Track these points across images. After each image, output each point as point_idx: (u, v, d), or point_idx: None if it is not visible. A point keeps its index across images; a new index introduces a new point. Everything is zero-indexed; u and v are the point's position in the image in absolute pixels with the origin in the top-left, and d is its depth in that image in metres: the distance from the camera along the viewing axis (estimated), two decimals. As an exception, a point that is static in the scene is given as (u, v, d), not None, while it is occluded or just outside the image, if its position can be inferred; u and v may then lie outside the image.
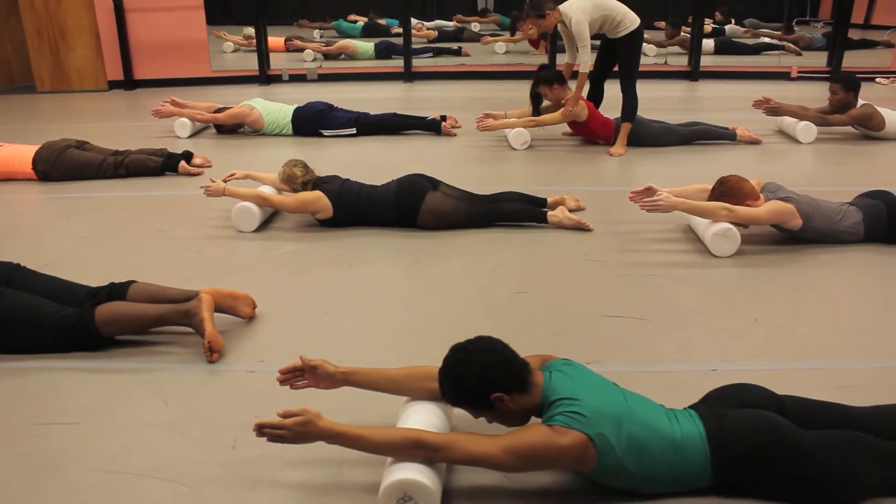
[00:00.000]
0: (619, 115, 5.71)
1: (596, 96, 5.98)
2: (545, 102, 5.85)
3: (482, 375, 2.00)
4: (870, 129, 5.88)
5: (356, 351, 2.89)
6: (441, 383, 2.07)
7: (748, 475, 2.02)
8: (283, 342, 2.96)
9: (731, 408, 2.13)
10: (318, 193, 4.06)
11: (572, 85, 5.60)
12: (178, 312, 2.86)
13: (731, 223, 3.69)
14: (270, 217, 4.34)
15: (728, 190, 3.71)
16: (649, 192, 3.70)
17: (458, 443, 1.97)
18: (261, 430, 1.99)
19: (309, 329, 3.09)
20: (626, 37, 5.48)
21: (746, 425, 2.05)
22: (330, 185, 4.12)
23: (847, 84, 5.85)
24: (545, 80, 5.68)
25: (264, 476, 2.18)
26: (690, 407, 2.20)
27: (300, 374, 2.26)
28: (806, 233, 3.74)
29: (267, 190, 4.21)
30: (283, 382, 2.27)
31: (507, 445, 1.95)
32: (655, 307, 3.23)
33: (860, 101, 5.88)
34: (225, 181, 4.26)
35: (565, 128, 6.19)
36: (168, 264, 3.72)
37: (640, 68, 5.76)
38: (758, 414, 2.09)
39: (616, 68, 5.72)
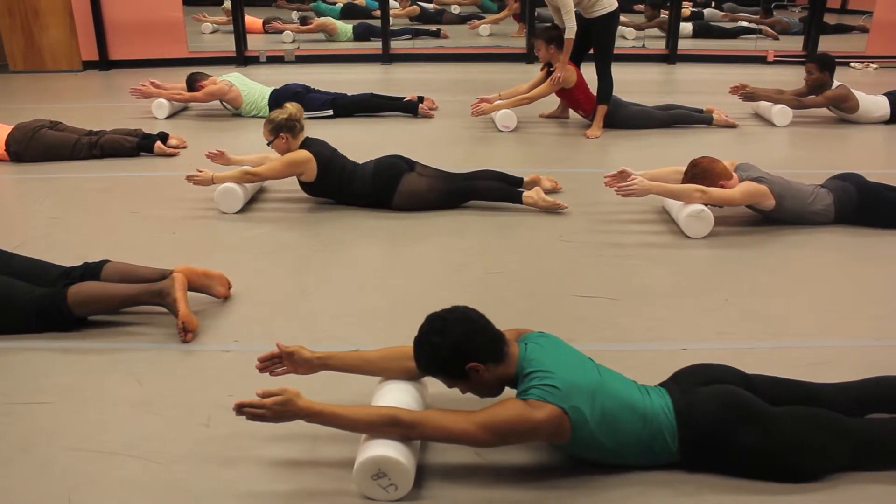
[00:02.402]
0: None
1: None
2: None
3: (458, 345, 2.01)
4: (844, 110, 5.93)
5: (331, 330, 2.90)
6: (416, 352, 2.08)
7: (715, 450, 2.06)
8: (258, 322, 2.97)
9: (699, 385, 2.17)
10: (307, 154, 4.00)
11: None
12: (151, 292, 2.85)
13: (705, 204, 3.72)
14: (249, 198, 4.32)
15: (700, 172, 3.75)
16: (623, 175, 3.73)
17: (433, 419, 1.99)
18: (240, 409, 2.00)
19: (284, 309, 3.09)
20: (602, 17, 5.49)
21: (713, 401, 2.09)
22: (321, 148, 4.07)
23: (823, 64, 5.89)
24: (545, 37, 5.66)
25: (237, 453, 2.19)
26: (660, 385, 2.23)
27: (278, 361, 2.27)
28: (779, 213, 3.78)
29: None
30: (262, 370, 2.28)
31: (482, 421, 1.97)
32: (628, 287, 3.26)
33: (835, 83, 5.93)
34: (208, 156, 4.25)
35: (543, 110, 6.21)
36: (142, 245, 3.69)
37: (618, 51, 5.77)
38: (725, 389, 2.12)
39: (591, 51, 5.72)
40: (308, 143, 4.07)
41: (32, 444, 2.24)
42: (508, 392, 2.10)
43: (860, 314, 3.04)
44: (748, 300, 3.15)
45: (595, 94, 5.77)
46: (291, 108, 4.04)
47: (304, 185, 4.15)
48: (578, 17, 5.60)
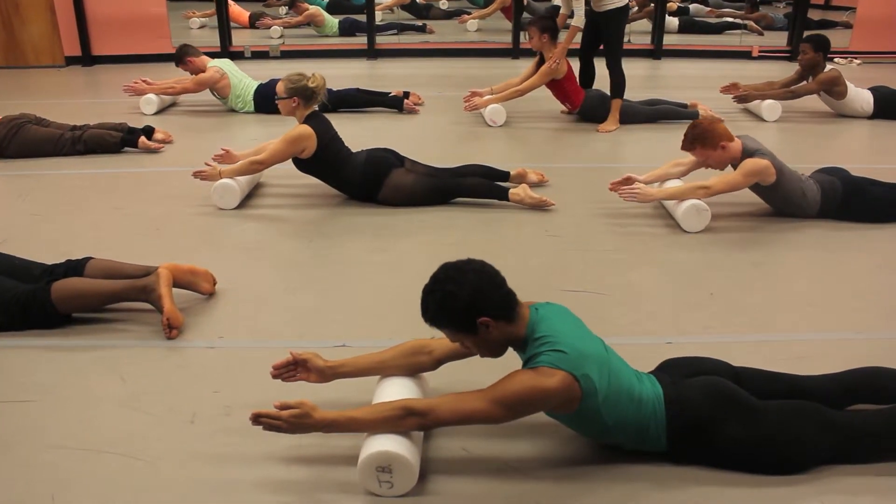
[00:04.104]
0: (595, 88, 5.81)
1: (586, 73, 5.99)
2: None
3: (473, 296, 1.96)
4: (834, 95, 5.93)
5: (316, 327, 2.89)
6: (425, 301, 2.01)
7: (701, 442, 2.07)
8: (243, 318, 2.95)
9: (687, 376, 2.18)
10: (309, 131, 3.93)
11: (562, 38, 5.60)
12: (136, 288, 2.83)
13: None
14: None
15: (701, 133, 3.73)
16: (628, 181, 3.82)
17: (446, 403, 1.98)
18: (257, 419, 1.99)
19: (269, 305, 3.07)
20: (611, 11, 5.50)
21: (701, 393, 2.10)
22: (323, 127, 4.01)
23: (817, 44, 5.88)
24: (539, 25, 5.61)
25: (222, 450, 2.18)
26: (649, 373, 2.24)
27: (293, 369, 2.26)
28: (775, 190, 3.79)
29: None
30: (275, 377, 2.28)
31: (494, 397, 1.94)
32: (614, 282, 3.27)
33: (827, 66, 5.94)
34: (215, 158, 4.20)
35: (531, 104, 6.21)
36: (126, 242, 3.67)
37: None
38: (712, 381, 2.14)
39: (601, 46, 5.73)
40: (312, 118, 4.01)
41: (15, 443, 2.22)
42: (511, 361, 2.07)
43: (842, 308, 3.06)
44: (733, 294, 3.16)
45: (581, 87, 5.82)
46: (319, 79, 3.99)
47: (298, 161, 4.08)
48: (588, 11, 5.59)
